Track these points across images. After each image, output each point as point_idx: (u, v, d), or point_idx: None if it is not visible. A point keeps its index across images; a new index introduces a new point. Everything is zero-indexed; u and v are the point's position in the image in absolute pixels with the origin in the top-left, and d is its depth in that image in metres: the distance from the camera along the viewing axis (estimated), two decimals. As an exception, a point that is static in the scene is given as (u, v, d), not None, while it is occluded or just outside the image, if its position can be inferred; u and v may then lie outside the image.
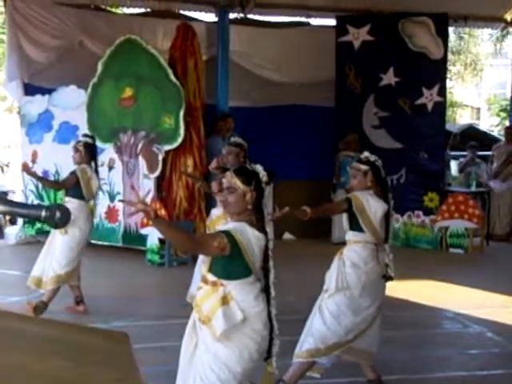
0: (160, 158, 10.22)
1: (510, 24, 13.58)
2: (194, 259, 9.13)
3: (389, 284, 5.51)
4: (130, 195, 10.58)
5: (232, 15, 12.14)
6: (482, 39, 28.54)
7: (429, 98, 12.09)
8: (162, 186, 10.43)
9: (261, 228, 4.02)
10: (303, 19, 13.08)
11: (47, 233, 7.96)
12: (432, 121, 12.12)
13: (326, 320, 5.28)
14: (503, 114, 30.25)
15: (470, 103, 38.07)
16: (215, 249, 3.84)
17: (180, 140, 10.05)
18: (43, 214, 2.24)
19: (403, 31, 12.08)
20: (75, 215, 7.00)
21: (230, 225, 4.05)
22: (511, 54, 30.73)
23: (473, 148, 14.12)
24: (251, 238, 3.94)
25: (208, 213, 8.01)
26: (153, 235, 9.99)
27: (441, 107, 12.22)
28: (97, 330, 3.08)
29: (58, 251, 7.37)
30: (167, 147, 10.21)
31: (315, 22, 13.32)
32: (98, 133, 10.68)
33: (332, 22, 12.83)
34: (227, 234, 3.89)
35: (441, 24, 12.02)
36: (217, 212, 6.71)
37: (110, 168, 10.78)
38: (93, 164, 7.59)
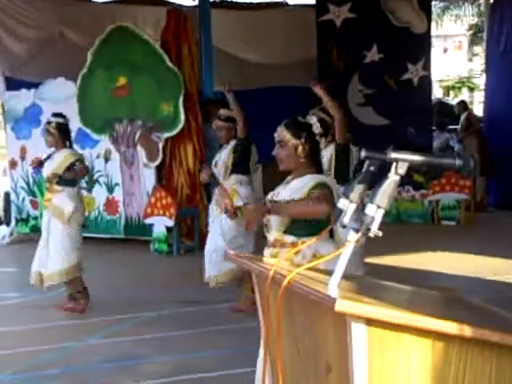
0: (160, 146, 10.03)
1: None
2: (201, 245, 9.06)
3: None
4: (130, 185, 10.43)
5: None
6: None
7: (414, 72, 12.17)
8: (163, 174, 10.27)
9: None
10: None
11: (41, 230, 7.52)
12: (418, 96, 12.22)
13: None
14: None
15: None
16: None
17: (180, 126, 9.86)
18: (457, 162, 2.17)
19: (386, 7, 12.12)
20: (75, 203, 6.98)
21: (312, 180, 3.95)
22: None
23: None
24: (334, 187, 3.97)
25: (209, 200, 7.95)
26: (159, 224, 9.85)
27: (427, 82, 12.33)
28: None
29: (58, 243, 7.02)
30: (167, 135, 10.02)
31: (293, 1, 13.30)
32: (92, 124, 10.53)
33: (311, 0, 12.81)
34: (328, 188, 3.88)
35: (423, -2, 12.12)
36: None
37: (107, 159, 10.57)
38: (68, 144, 7.20)
